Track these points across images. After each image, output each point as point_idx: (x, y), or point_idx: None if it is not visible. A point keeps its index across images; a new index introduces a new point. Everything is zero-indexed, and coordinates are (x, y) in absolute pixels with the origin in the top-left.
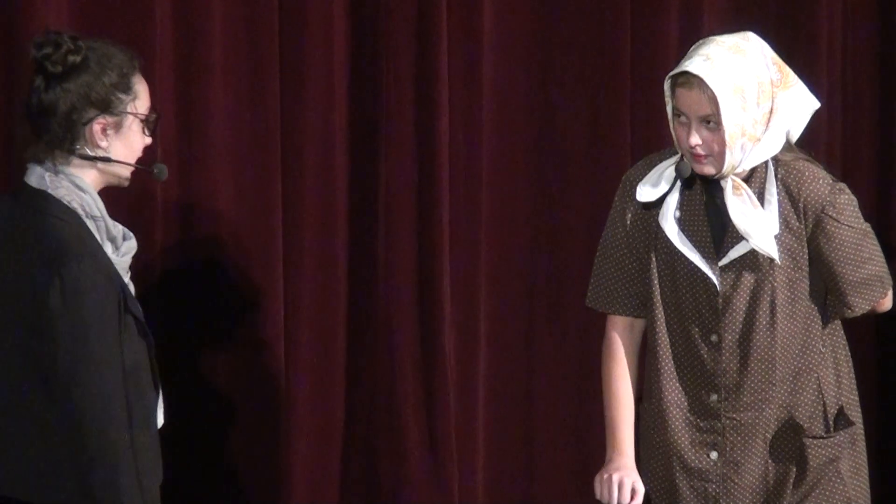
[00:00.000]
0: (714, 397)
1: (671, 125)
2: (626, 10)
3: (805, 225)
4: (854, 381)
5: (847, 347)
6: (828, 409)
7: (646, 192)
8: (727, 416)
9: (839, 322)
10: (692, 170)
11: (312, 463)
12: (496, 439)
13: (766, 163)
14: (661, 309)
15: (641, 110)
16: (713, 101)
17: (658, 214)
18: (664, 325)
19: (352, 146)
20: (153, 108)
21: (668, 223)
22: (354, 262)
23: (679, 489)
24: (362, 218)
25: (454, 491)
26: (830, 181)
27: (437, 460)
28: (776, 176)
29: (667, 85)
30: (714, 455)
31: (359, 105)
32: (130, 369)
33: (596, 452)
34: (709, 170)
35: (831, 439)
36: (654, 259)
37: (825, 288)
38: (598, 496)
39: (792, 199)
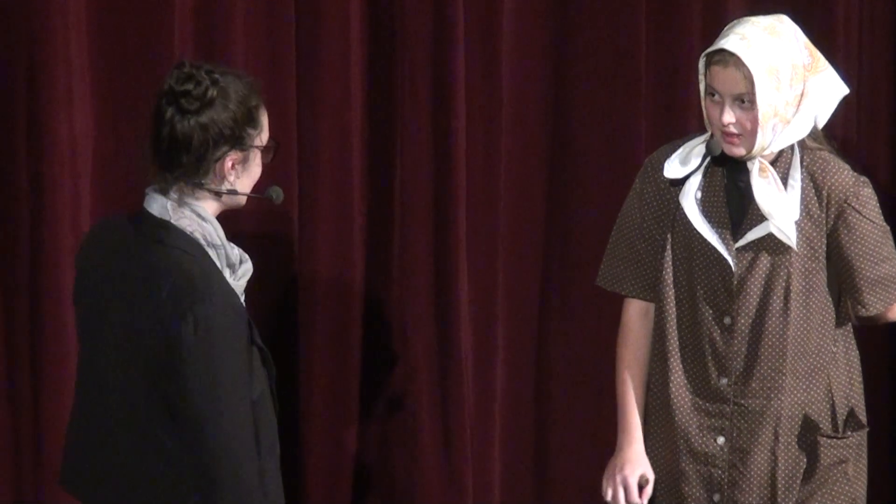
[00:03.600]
0: (724, 381)
1: (703, 103)
2: (640, 10)
3: (827, 214)
4: (862, 384)
5: (858, 351)
6: (837, 409)
7: (674, 169)
8: (735, 401)
9: (851, 326)
10: (722, 150)
11: (327, 461)
12: (512, 439)
13: (792, 148)
14: (671, 290)
15: (656, 110)
16: (748, 79)
17: (678, 193)
18: (674, 306)
19: (368, 146)
20: (272, 136)
21: (689, 202)
22: (370, 261)
23: (685, 473)
24: (378, 217)
25: (469, 490)
26: (855, 173)
27: (452, 460)
28: (801, 162)
29: (701, 63)
30: (721, 440)
31: (375, 105)
32: (257, 399)
33: (611, 452)
34: (739, 150)
35: (845, 440)
36: (670, 240)
37: (840, 287)
38: (603, 495)
39: (816, 186)
